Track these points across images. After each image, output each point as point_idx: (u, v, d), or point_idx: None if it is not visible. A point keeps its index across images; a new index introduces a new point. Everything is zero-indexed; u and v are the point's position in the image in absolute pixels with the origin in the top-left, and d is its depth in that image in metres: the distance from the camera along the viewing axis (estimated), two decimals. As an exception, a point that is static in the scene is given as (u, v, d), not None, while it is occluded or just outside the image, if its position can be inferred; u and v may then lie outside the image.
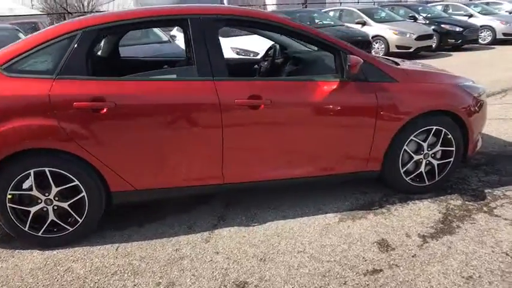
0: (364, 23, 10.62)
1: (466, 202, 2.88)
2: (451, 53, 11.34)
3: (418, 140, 2.85)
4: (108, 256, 2.40)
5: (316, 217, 2.76)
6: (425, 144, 2.88)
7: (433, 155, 2.94)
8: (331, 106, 2.62)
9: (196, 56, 2.47)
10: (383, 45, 10.17)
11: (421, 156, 2.92)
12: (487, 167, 3.49)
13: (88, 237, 2.57)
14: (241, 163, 2.62)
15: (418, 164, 2.94)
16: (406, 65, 3.21)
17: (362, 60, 2.55)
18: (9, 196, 2.31)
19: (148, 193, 2.58)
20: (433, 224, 2.61)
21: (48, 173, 2.33)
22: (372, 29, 10.44)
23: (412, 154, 2.88)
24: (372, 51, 10.29)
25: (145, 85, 2.41)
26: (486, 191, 3.04)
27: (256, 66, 3.69)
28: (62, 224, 2.45)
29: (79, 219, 2.47)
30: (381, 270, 2.19)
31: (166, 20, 2.58)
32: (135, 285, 2.15)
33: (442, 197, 2.96)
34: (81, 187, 2.42)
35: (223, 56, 2.53)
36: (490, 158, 3.67)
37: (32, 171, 2.31)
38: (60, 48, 2.34)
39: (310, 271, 2.21)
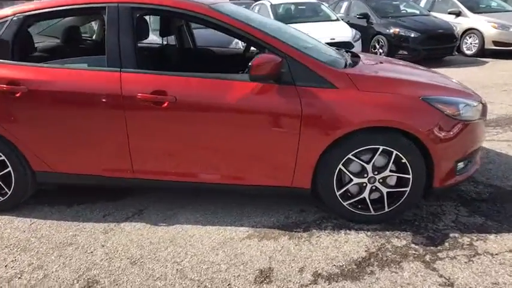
0: (458, 13, 9.10)
1: (412, 245, 2.32)
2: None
3: (358, 160, 2.37)
4: (18, 229, 2.59)
5: (227, 228, 2.53)
6: (368, 166, 2.38)
7: (381, 181, 2.42)
8: (243, 110, 2.33)
9: (108, 45, 2.43)
10: (477, 40, 8.60)
11: (365, 180, 2.42)
12: (483, 204, 2.74)
13: (20, 208, 2.80)
14: (149, 160, 2.53)
15: (361, 188, 2.46)
16: (372, 67, 2.67)
17: (275, 60, 2.19)
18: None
19: (66, 177, 2.68)
20: (344, 263, 2.17)
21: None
22: (467, 20, 8.89)
23: (351, 176, 2.41)
24: (464, 47, 8.82)
25: (58, 72, 2.48)
26: (451, 235, 2.40)
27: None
28: (-4, 192, 2.72)
29: (8, 191, 2.71)
30: (236, 303, 1.92)
31: (87, 8, 2.56)
32: (12, 260, 2.28)
33: (386, 232, 2.44)
34: (7, 162, 2.63)
35: (135, 46, 2.43)
36: (497, 194, 2.87)
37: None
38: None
39: (165, 285, 2.05)
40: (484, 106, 2.64)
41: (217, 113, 2.36)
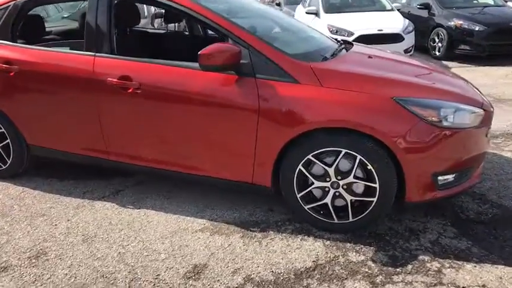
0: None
1: (369, 262, 2.08)
2: None
3: (319, 163, 2.17)
4: (9, 195, 2.84)
5: (187, 218, 2.51)
6: (330, 170, 2.17)
7: (345, 187, 2.19)
8: (202, 100, 2.26)
9: (86, 29, 2.52)
10: None
11: (327, 184, 2.22)
12: (479, 227, 2.36)
13: (19, 177, 3.06)
14: (120, 143, 2.59)
15: (324, 193, 2.26)
16: (353, 61, 2.41)
17: (232, 50, 2.08)
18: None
19: (53, 152, 2.85)
20: (283, 271, 2.03)
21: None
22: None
23: (312, 178, 2.22)
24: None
25: (44, 54, 2.63)
26: (420, 258, 2.10)
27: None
28: (-1, 162, 3.01)
29: (7, 160, 2.98)
30: (156, 294, 1.90)
31: None
32: (8, 223, 2.50)
33: (347, 244, 2.22)
34: (6, 134, 2.89)
35: (110, 31, 2.48)
36: (502, 218, 2.45)
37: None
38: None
39: (100, 266, 2.09)
40: (488, 113, 2.25)
41: (176, 102, 2.33)
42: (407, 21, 7.27)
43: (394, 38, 6.78)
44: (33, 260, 2.15)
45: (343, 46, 2.76)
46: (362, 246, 2.21)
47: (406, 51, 6.94)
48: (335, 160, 2.14)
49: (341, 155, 2.12)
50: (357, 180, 2.16)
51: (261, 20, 2.96)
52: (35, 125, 2.78)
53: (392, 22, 7.03)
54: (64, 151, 2.80)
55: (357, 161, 2.10)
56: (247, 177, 2.36)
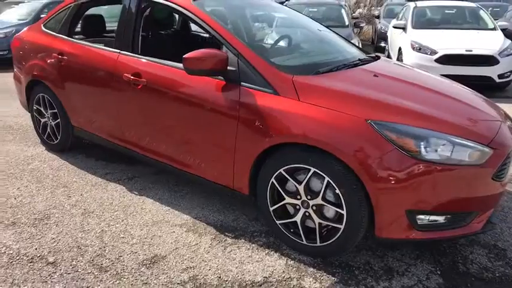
0: None
1: (321, 290, 1.94)
2: None
3: (289, 178, 2.10)
4: (50, 166, 3.34)
5: (175, 212, 2.65)
6: (300, 188, 2.08)
7: (314, 208, 2.08)
8: (193, 102, 2.37)
9: (117, 30, 2.83)
10: None
11: (298, 202, 2.13)
12: (475, 284, 2.00)
13: (68, 152, 3.57)
14: (130, 133, 2.84)
15: (296, 210, 2.17)
16: (353, 76, 2.27)
17: (219, 56, 2.15)
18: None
19: (88, 134, 3.26)
20: (229, 280, 2.01)
21: (41, 98, 3.44)
22: None
23: (283, 193, 2.16)
24: None
25: (85, 49, 3.03)
26: (380, 300, 1.88)
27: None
28: (52, 137, 3.54)
29: (58, 136, 3.50)
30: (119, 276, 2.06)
31: None
32: (25, 186, 2.98)
33: (310, 269, 2.09)
34: (58, 115, 3.40)
35: (135, 32, 2.74)
36: None
37: (40, 96, 3.46)
38: (63, 14, 3.29)
39: (81, 238, 2.34)
40: (499, 151, 1.92)
41: (172, 101, 2.47)
42: (509, 42, 6.37)
43: (485, 61, 6.01)
44: (36, 222, 2.51)
45: (358, 61, 2.60)
46: (324, 274, 2.06)
47: (501, 76, 6.09)
48: (305, 178, 2.05)
49: (310, 173, 2.02)
50: (325, 203, 2.03)
51: (288, 30, 2.96)
52: (76, 109, 3.22)
53: (488, 42, 6.23)
54: (94, 134, 3.17)
55: (325, 182, 1.98)
56: (229, 181, 2.39)
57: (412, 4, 7.98)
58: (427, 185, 1.84)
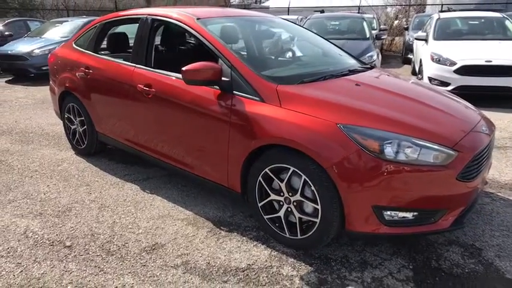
0: None
1: (295, 279, 2.15)
2: None
3: (273, 177, 2.34)
4: (77, 167, 3.76)
5: (179, 208, 2.94)
6: (282, 185, 2.32)
7: (295, 204, 2.30)
8: (193, 109, 2.67)
9: (134, 46, 3.22)
10: None
11: (281, 199, 2.37)
12: (444, 278, 2.13)
13: (93, 156, 4.00)
14: (147, 138, 3.19)
15: (280, 206, 2.41)
16: (333, 86, 2.50)
17: (214, 68, 2.44)
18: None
19: (110, 139, 3.65)
20: (216, 265, 2.26)
21: (71, 108, 3.89)
22: None
23: (269, 190, 2.40)
24: None
25: (106, 63, 3.44)
26: None
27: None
28: (80, 142, 3.99)
29: (85, 141, 3.93)
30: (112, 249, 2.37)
31: (131, 19, 3.41)
32: (51, 182, 3.41)
33: (291, 259, 2.31)
34: (85, 122, 3.84)
35: (147, 48, 3.10)
36: (482, 279, 2.14)
37: (70, 105, 3.92)
38: (90, 33, 3.75)
39: (96, 228, 2.69)
40: (462, 153, 2.07)
41: (176, 108, 2.79)
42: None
43: (505, 72, 5.95)
44: (60, 213, 2.89)
45: (348, 71, 2.82)
46: (302, 264, 2.27)
47: (521, 86, 6.00)
48: (286, 176, 2.28)
49: (289, 172, 2.25)
50: (304, 199, 2.25)
51: (287, 44, 3.23)
52: (99, 116, 3.62)
53: (508, 53, 6.17)
54: (115, 139, 3.56)
55: (302, 180, 2.21)
56: (224, 181, 2.66)
57: (435, 16, 8.00)
58: (391, 183, 2.01)
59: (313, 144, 2.11)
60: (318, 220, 2.21)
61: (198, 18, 2.91)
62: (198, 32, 2.78)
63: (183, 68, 2.48)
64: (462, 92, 6.14)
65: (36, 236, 2.59)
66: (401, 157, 2.01)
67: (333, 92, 2.41)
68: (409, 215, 2.10)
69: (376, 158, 2.00)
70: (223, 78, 2.52)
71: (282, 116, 2.25)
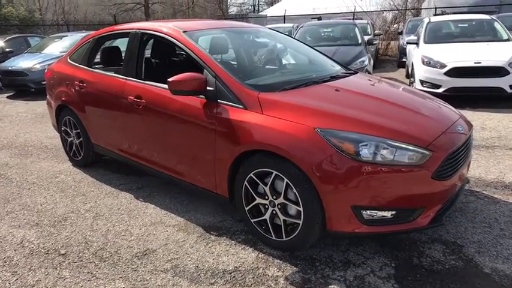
0: None
1: (280, 279, 2.22)
2: None
3: (258, 181, 2.43)
4: (73, 178, 3.86)
5: (171, 215, 3.03)
6: (266, 189, 2.40)
7: (279, 207, 2.39)
8: (181, 119, 2.77)
9: (124, 59, 3.34)
10: None
11: (266, 202, 2.45)
12: (424, 274, 2.20)
13: (90, 166, 4.10)
14: (136, 148, 3.29)
15: (265, 209, 2.49)
16: (314, 92, 2.60)
17: (199, 78, 2.54)
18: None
19: (105, 150, 3.76)
20: (204, 268, 2.34)
21: (67, 120, 4.01)
22: None
23: (254, 195, 2.49)
24: None
25: (99, 76, 3.57)
26: (330, 287, 2.13)
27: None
28: (76, 154, 4.10)
29: (81, 153, 4.04)
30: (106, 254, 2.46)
31: (122, 33, 3.53)
32: (48, 194, 3.51)
33: (277, 261, 2.38)
34: (81, 134, 3.95)
35: (138, 61, 3.22)
36: (461, 273, 2.21)
37: (66, 118, 4.04)
38: (84, 48, 3.88)
39: (90, 236, 2.77)
40: (436, 153, 2.15)
41: (164, 118, 2.90)
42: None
43: (495, 72, 6.03)
44: (56, 223, 2.98)
45: (329, 78, 2.92)
46: (288, 265, 2.34)
47: (512, 87, 6.08)
48: (269, 180, 2.37)
49: (272, 176, 2.34)
50: (287, 202, 2.33)
51: (271, 53, 3.34)
52: (94, 128, 3.73)
53: (497, 54, 6.26)
54: (109, 150, 3.66)
55: (284, 183, 2.29)
56: (213, 187, 2.74)
57: (426, 19, 8.12)
58: (369, 184, 2.10)
59: (293, 149, 2.20)
60: (301, 222, 2.29)
61: (184, 31, 3.02)
62: (184, 44, 2.90)
63: (169, 79, 2.58)
64: (453, 94, 6.25)
65: (32, 246, 2.68)
66: (378, 158, 2.10)
67: (312, 97, 2.51)
68: (387, 214, 2.18)
69: (352, 160, 2.09)
70: (208, 88, 2.62)
71: (264, 122, 2.34)
